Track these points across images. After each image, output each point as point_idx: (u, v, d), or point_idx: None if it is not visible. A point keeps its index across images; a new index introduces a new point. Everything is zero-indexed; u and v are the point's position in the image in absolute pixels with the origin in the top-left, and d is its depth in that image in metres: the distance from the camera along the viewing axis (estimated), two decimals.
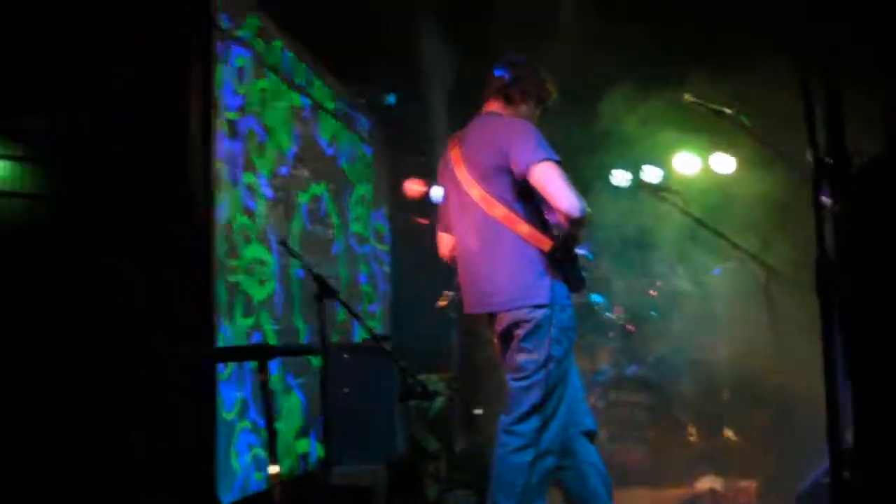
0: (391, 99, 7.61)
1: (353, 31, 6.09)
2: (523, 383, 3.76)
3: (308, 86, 6.18)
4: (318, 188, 6.26)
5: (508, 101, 3.99)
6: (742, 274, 5.93)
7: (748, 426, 6.24)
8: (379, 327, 6.95)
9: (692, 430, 6.58)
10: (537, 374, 3.72)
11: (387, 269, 8.05)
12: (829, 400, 1.91)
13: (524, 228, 3.74)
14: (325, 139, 6.54)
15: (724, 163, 6.94)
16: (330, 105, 6.63)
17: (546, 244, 3.72)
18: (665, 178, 7.22)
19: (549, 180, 3.62)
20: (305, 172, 5.96)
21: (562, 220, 3.65)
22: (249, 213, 4.97)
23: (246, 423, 4.60)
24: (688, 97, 4.05)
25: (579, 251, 4.05)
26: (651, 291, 7.41)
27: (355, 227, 7.16)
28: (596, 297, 4.07)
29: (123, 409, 3.80)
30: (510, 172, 3.73)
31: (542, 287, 3.70)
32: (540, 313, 3.70)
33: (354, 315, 3.93)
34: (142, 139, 4.09)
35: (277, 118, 5.54)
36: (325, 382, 3.61)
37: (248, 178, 4.99)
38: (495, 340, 3.97)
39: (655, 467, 6.30)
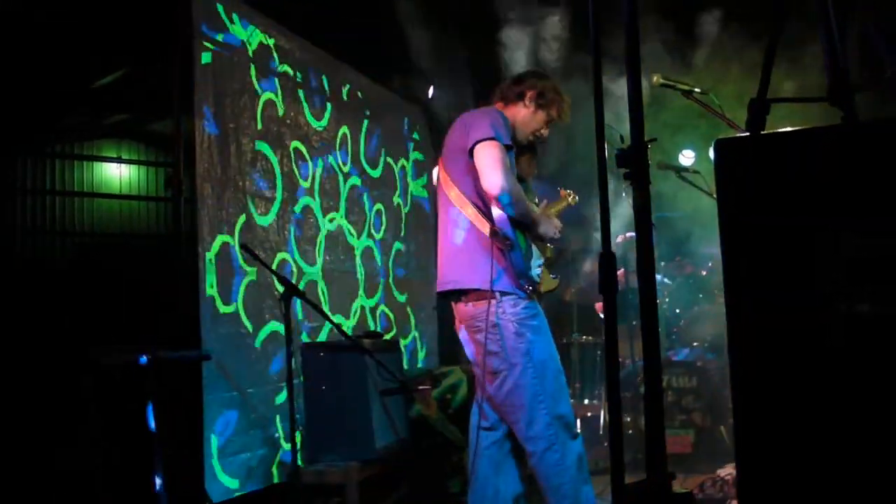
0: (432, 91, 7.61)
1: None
2: (504, 387, 3.73)
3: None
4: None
5: (505, 100, 4.08)
6: None
7: None
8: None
9: None
10: (511, 372, 3.71)
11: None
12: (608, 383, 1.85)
13: (470, 211, 3.78)
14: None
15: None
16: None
17: (488, 228, 3.72)
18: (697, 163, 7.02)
19: (482, 157, 3.67)
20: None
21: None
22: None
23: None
24: (657, 78, 3.93)
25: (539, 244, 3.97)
26: (703, 272, 7.24)
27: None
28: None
29: None
30: (467, 154, 3.77)
31: (486, 272, 3.68)
32: (485, 305, 3.67)
33: (321, 313, 4.01)
34: None
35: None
36: (290, 381, 3.68)
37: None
38: (459, 335, 3.96)
39: (698, 453, 6.19)
